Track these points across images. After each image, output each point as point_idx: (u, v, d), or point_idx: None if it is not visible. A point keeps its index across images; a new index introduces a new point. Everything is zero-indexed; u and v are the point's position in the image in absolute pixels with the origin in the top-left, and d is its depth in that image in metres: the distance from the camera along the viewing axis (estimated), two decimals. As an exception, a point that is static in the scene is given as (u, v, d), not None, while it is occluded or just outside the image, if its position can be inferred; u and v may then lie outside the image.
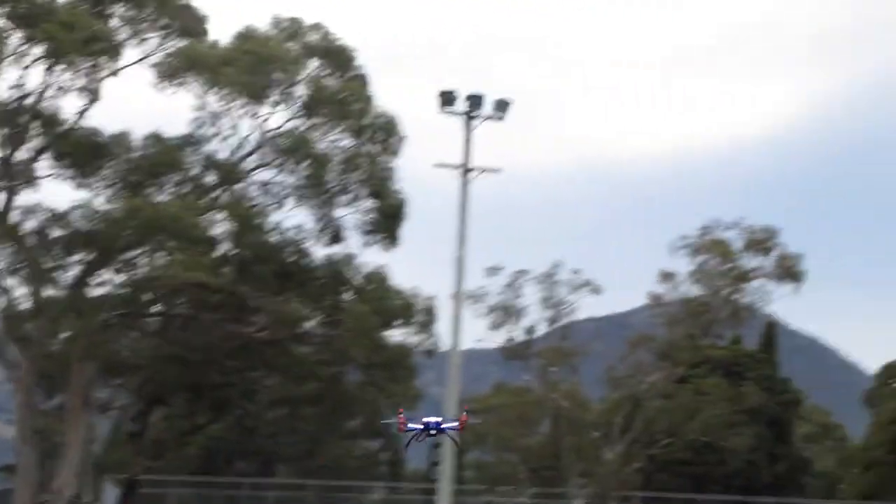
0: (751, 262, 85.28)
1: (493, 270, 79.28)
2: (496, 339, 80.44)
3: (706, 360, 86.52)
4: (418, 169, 69.02)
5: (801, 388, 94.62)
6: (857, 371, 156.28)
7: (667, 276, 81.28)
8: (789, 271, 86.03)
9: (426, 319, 72.24)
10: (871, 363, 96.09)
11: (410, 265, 77.03)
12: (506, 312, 79.55)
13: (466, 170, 64.78)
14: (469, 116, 64.08)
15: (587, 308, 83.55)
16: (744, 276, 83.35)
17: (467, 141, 64.57)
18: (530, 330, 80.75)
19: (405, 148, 69.92)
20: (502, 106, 64.48)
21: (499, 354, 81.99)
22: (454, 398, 65.08)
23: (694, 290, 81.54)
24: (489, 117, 64.21)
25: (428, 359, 74.76)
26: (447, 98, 63.60)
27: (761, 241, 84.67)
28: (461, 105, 63.89)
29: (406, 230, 70.11)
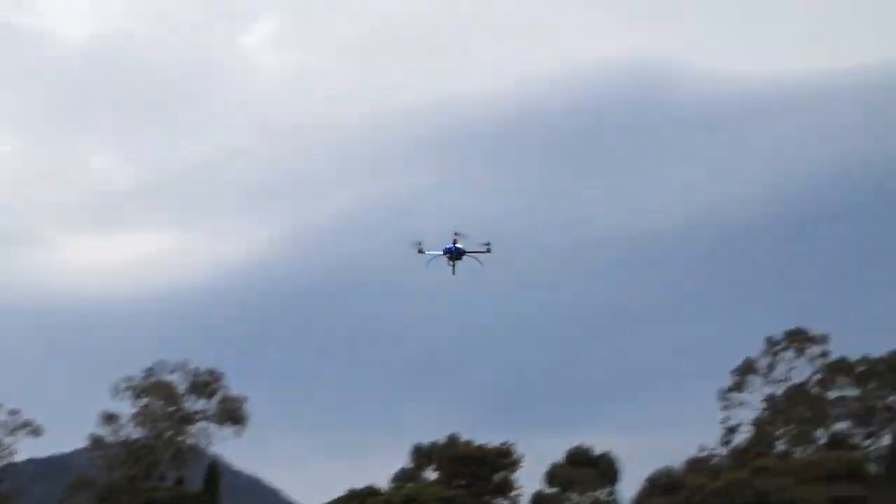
0: (195, 404, 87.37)
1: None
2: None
3: (148, 502, 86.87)
4: None
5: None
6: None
7: (109, 418, 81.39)
8: (232, 414, 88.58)
9: None
10: (312, 502, 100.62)
11: None
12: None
13: None
14: None
15: (29, 449, 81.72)
16: (188, 418, 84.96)
17: None
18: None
19: None
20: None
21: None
22: None
23: (137, 432, 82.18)
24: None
25: None
26: None
27: (206, 384, 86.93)
28: None
29: None
